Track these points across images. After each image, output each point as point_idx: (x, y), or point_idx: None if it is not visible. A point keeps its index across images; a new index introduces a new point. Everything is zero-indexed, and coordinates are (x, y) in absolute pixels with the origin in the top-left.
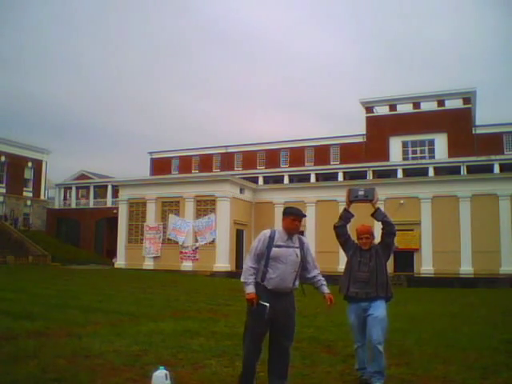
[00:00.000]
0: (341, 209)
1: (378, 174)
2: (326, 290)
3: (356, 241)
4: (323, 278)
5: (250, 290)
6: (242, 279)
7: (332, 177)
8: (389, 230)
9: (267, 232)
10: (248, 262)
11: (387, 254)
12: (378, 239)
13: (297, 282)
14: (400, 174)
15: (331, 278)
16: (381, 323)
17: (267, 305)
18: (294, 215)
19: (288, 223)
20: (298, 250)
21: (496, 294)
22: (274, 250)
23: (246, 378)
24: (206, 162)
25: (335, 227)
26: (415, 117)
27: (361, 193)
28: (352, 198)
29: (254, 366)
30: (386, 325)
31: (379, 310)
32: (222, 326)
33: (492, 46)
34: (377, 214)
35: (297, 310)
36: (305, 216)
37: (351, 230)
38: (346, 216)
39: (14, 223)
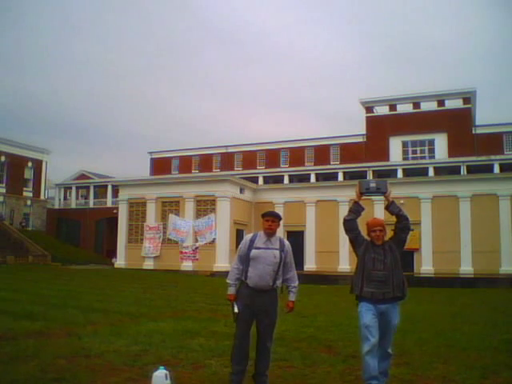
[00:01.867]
0: (341, 209)
1: (378, 174)
2: (292, 297)
3: (366, 236)
4: (295, 285)
5: (230, 291)
6: (227, 280)
7: (332, 177)
8: (404, 225)
9: (249, 236)
10: (234, 264)
11: (401, 250)
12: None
13: (278, 282)
14: (400, 173)
15: (331, 278)
16: (394, 329)
17: (236, 311)
18: (265, 216)
19: (263, 224)
20: (276, 252)
21: (496, 293)
22: (254, 251)
23: (233, 374)
24: (206, 162)
25: (345, 221)
26: (415, 117)
27: (372, 185)
28: (363, 191)
29: (243, 364)
30: (396, 328)
31: (397, 316)
32: (222, 325)
33: (492, 46)
34: (392, 207)
35: (278, 307)
36: (276, 216)
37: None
38: (357, 209)
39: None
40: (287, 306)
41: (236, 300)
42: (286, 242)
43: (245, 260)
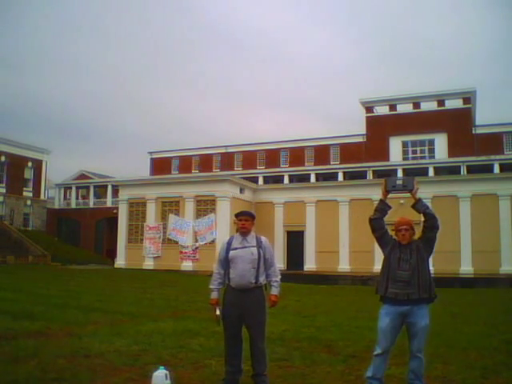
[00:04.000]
0: (341, 209)
1: (378, 174)
2: (273, 291)
3: (394, 236)
4: (277, 279)
5: (212, 296)
6: (209, 286)
7: (332, 177)
8: (432, 224)
9: (226, 239)
10: (214, 269)
11: (429, 250)
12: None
13: (261, 278)
14: (400, 173)
15: (331, 278)
16: (424, 333)
17: (218, 313)
18: (238, 216)
19: (237, 224)
20: (254, 249)
21: (496, 293)
22: (231, 252)
23: (228, 376)
24: (206, 162)
25: (370, 220)
26: (415, 117)
27: (399, 182)
28: (389, 188)
29: (234, 364)
30: (428, 331)
31: (424, 318)
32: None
33: (492, 46)
34: (418, 206)
35: (266, 305)
36: (248, 214)
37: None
38: (383, 208)
39: None
40: (269, 300)
41: (218, 304)
42: (263, 239)
43: (224, 263)
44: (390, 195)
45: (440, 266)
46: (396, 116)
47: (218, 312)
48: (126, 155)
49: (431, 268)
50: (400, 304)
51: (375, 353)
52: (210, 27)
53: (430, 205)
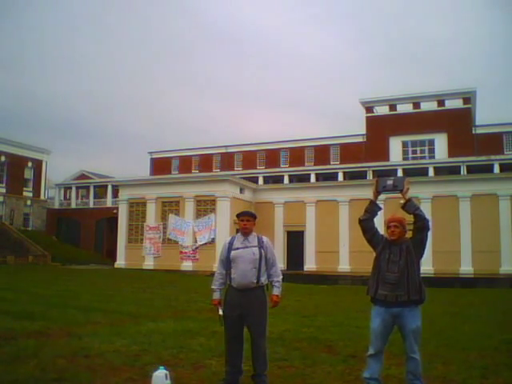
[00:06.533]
0: (341, 209)
1: (378, 174)
2: (275, 291)
3: (386, 235)
4: (279, 279)
5: (214, 296)
6: (211, 286)
7: (332, 177)
8: (421, 225)
9: (227, 239)
10: (216, 270)
11: (420, 251)
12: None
13: (262, 278)
14: (400, 173)
15: (331, 278)
16: (415, 334)
17: (221, 313)
18: (239, 216)
19: (239, 224)
20: (255, 249)
21: (496, 293)
22: (233, 252)
23: (228, 376)
24: (206, 162)
25: (360, 221)
26: (415, 117)
27: (389, 182)
28: (380, 189)
29: (235, 364)
30: (420, 333)
31: (415, 320)
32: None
33: (492, 46)
34: (408, 206)
35: (267, 304)
36: (250, 215)
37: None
38: (373, 209)
39: None
40: (271, 300)
41: (220, 304)
42: (265, 239)
43: (226, 263)
44: (391, 196)
45: (440, 266)
46: (396, 116)
47: (220, 312)
48: (126, 155)
49: (431, 268)
50: (390, 306)
51: (368, 353)
52: (210, 27)
53: (429, 205)
